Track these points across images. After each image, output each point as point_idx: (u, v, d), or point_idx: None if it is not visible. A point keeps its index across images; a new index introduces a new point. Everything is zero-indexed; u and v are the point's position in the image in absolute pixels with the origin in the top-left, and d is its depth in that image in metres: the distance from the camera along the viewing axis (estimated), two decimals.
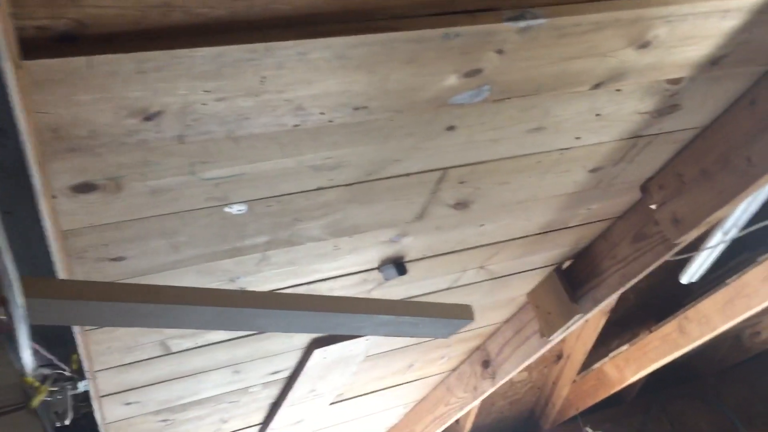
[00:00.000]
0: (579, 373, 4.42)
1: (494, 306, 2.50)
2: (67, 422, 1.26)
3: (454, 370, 3.12)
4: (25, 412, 1.85)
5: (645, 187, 1.90)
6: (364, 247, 1.70)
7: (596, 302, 2.21)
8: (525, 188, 1.69)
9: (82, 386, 1.20)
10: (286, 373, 2.35)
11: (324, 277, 1.76)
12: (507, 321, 2.69)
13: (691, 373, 4.91)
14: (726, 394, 4.95)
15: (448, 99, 1.25)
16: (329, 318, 0.90)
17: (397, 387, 3.05)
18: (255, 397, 2.47)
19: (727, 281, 3.37)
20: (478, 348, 2.92)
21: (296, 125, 1.18)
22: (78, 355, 1.11)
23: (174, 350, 1.85)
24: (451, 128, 1.35)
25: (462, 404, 3.15)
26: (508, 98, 1.31)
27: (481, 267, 2.08)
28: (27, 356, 0.91)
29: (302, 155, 1.27)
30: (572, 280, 2.28)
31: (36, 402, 1.15)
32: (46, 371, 1.14)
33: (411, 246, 1.79)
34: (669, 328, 3.79)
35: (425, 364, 2.90)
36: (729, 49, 1.38)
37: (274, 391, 2.49)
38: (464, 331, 2.70)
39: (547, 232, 2.00)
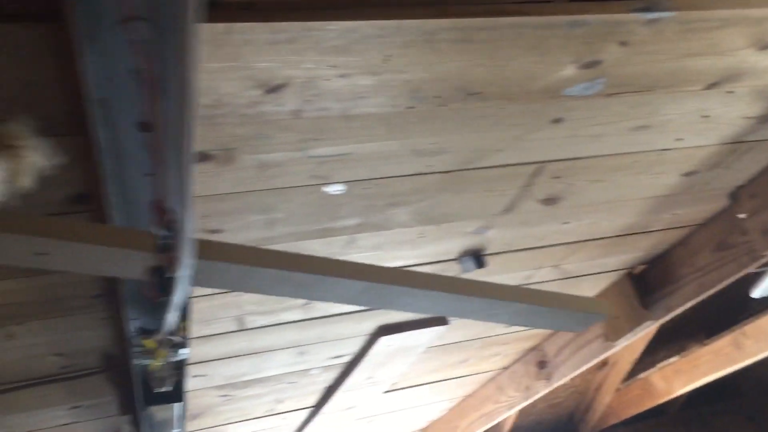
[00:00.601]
0: (624, 381, 4.36)
1: None
2: (168, 388, 1.27)
3: (505, 368, 3.10)
4: (104, 376, 1.88)
5: (735, 195, 1.84)
6: (447, 237, 1.68)
7: (669, 310, 2.16)
8: (616, 188, 1.65)
9: (181, 354, 1.20)
10: (348, 358, 2.35)
11: (405, 264, 1.74)
12: None
13: (735, 390, 4.80)
14: None
15: (563, 90, 1.22)
16: (469, 302, 0.89)
17: (449, 381, 3.04)
18: (313, 380, 2.48)
19: None
20: (534, 348, 2.88)
21: (409, 107, 1.17)
22: (186, 322, 1.12)
23: (248, 326, 1.85)
24: (557, 120, 1.32)
25: (512, 404, 3.12)
26: (620, 93, 1.28)
27: (556, 266, 2.05)
28: (172, 317, 0.91)
29: (408, 138, 1.26)
30: (644, 286, 2.24)
31: (155, 365, 1.16)
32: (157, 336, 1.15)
33: (493, 239, 1.76)
34: (724, 342, 3.71)
35: (479, 360, 2.87)
36: None
37: (332, 375, 2.49)
38: (523, 330, 2.67)
39: (627, 234, 1.96)
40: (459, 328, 2.34)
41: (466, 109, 1.21)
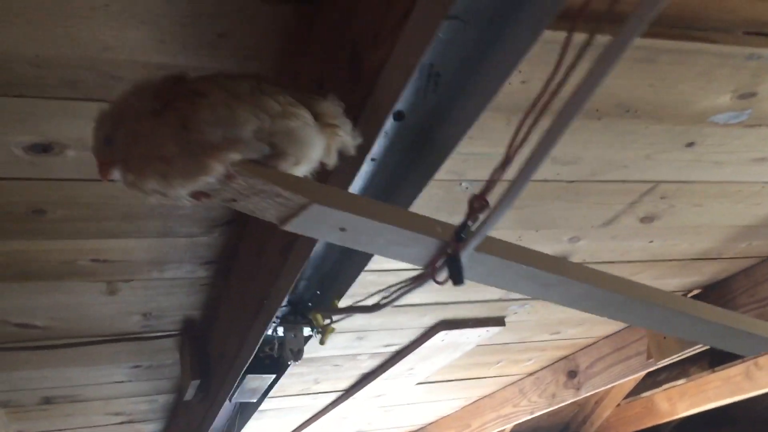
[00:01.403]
0: (625, 398, 4.42)
1: (604, 320, 2.51)
2: (298, 361, 1.29)
3: (530, 374, 3.14)
4: (177, 339, 1.89)
5: None
6: (541, 242, 1.71)
7: None
8: (711, 213, 1.69)
9: (306, 331, 1.23)
10: (397, 348, 2.38)
11: None
12: (608, 336, 2.70)
13: (727, 418, 4.89)
14: None
15: (710, 116, 1.26)
16: (676, 317, 0.93)
17: (477, 380, 3.08)
18: (357, 365, 2.50)
19: None
20: (566, 357, 2.93)
21: None
22: (318, 313, 1.14)
23: None
24: (690, 144, 1.35)
25: (533, 409, 3.17)
26: (759, 125, 1.31)
27: None
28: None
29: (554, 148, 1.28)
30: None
31: (325, 340, 1.18)
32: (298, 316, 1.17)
33: (580, 249, 1.80)
34: (735, 370, 3.77)
35: (512, 363, 2.91)
36: None
37: (375, 363, 2.52)
38: (560, 339, 2.71)
39: (700, 259, 2.00)
40: (508, 330, 2.38)
41: (617, 124, 1.24)
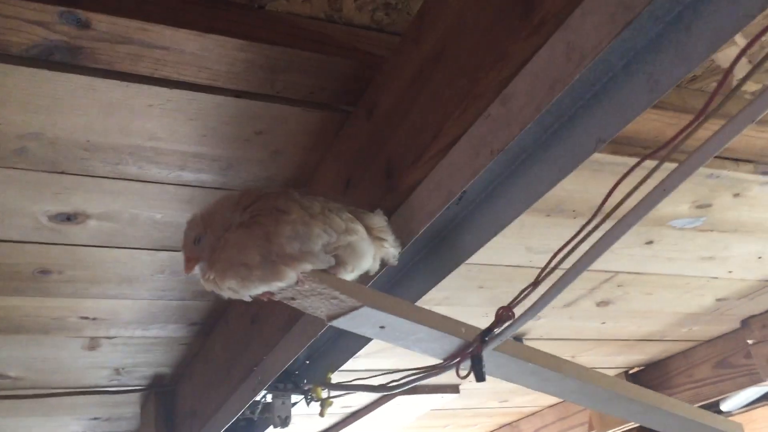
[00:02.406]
0: None
1: None
2: (286, 428, 1.34)
3: None
4: (142, 394, 1.90)
5: (747, 323, 2.06)
6: None
7: None
8: (661, 302, 1.84)
9: (293, 399, 1.29)
10: (353, 409, 2.44)
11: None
12: (552, 406, 2.82)
13: None
14: None
15: (670, 221, 1.40)
16: (659, 414, 1.03)
17: None
18: (312, 426, 2.54)
19: (734, 412, 3.55)
20: (509, 424, 3.03)
21: (547, 215, 1.32)
22: (319, 387, 1.21)
23: None
24: (649, 242, 1.50)
25: None
26: (710, 230, 1.47)
27: (573, 356, 2.22)
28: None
29: (529, 237, 1.41)
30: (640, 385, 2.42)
31: (324, 412, 1.24)
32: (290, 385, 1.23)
33: (539, 326, 1.92)
34: None
35: (458, 428, 2.99)
36: None
37: (332, 420, 2.56)
38: (508, 407, 2.81)
39: (645, 340, 2.15)
40: (461, 397, 2.47)
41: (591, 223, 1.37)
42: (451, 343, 0.81)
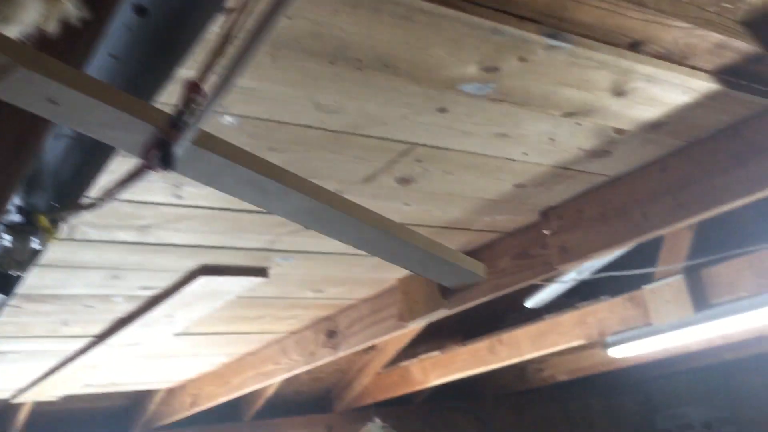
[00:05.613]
0: (384, 367, 4.69)
1: (364, 282, 2.64)
2: (22, 273, 1.20)
3: (293, 333, 3.22)
4: None
5: (545, 214, 2.13)
6: None
7: (463, 302, 2.43)
8: (461, 183, 1.84)
9: (34, 244, 1.15)
10: (155, 291, 2.33)
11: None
12: (366, 299, 2.84)
13: (472, 393, 5.39)
14: (498, 417, 5.51)
15: (459, 84, 1.37)
16: (372, 233, 0.99)
17: (238, 335, 3.10)
18: (111, 308, 2.41)
19: (545, 316, 3.78)
20: (327, 318, 3.04)
21: (331, 62, 1.25)
22: (46, 216, 1.07)
23: (77, 238, 1.79)
24: (442, 110, 1.47)
25: (292, 366, 3.25)
26: (501, 101, 1.46)
27: None
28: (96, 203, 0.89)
29: (316, 92, 1.33)
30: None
31: (46, 242, 1.09)
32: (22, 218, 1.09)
33: None
34: (481, 345, 4.14)
35: (275, 320, 2.97)
36: (670, 120, 1.63)
37: (131, 306, 2.44)
38: (323, 298, 2.80)
39: (450, 228, 2.17)
40: (272, 284, 2.42)
41: (378, 78, 1.31)
42: (142, 131, 0.72)
